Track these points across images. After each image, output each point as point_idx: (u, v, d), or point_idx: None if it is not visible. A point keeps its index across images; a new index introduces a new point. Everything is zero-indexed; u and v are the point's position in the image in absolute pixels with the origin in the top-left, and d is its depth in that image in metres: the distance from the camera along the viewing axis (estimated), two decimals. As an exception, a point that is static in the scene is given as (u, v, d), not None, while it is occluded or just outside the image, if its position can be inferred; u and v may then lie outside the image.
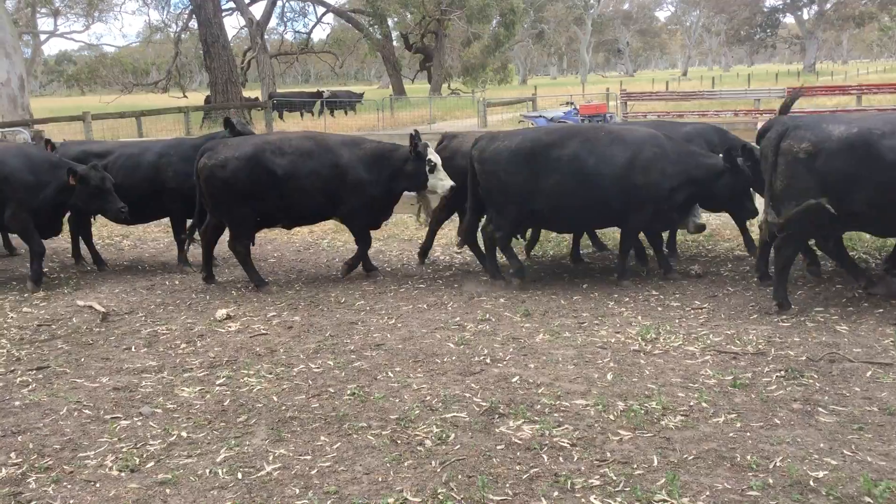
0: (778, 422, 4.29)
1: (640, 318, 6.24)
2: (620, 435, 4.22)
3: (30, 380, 5.30)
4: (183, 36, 40.52)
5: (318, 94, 37.03)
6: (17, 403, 4.88)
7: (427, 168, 7.45)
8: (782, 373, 4.95)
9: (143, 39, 52.57)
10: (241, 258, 7.51)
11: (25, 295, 7.54)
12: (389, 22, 49.17)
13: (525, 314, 6.43)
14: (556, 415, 4.48)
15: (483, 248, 7.61)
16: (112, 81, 46.96)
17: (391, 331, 6.15)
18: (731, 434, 4.16)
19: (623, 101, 26.97)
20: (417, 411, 4.60)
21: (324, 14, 50.26)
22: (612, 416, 4.44)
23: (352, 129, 26.94)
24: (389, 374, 5.23)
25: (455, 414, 4.55)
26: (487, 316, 6.43)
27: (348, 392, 4.92)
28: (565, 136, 7.06)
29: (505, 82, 57.42)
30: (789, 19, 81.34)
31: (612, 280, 7.30)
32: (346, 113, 36.78)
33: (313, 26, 55.39)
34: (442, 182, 7.51)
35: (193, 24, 33.71)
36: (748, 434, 4.15)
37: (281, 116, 34.63)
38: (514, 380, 5.03)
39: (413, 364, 5.41)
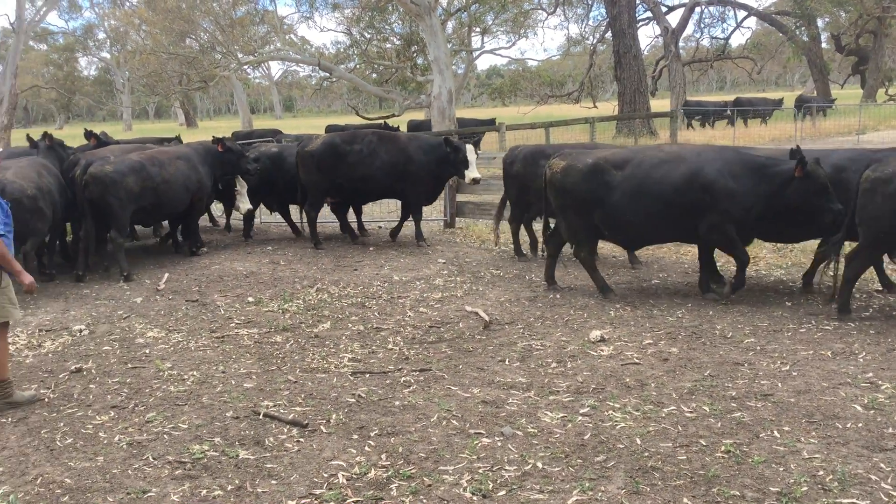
0: None
1: None
2: None
3: (412, 381, 5.62)
4: (599, 48, 41.47)
5: (730, 104, 34.97)
6: (396, 403, 5.19)
7: None
8: None
9: (563, 52, 55.10)
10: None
11: (426, 295, 8.14)
12: (819, 22, 44.69)
13: (967, 381, 5.11)
14: None
15: None
16: (531, 93, 50.08)
17: (783, 379, 5.32)
18: None
19: None
20: (805, 488, 3.84)
21: (744, 18, 47.47)
22: None
23: (765, 139, 24.96)
24: (775, 433, 4.49)
25: (854, 501, 3.70)
26: (912, 376, 5.24)
27: (722, 448, 4.31)
28: None
29: (964, 86, 48.66)
30: None
31: None
32: (764, 122, 34.21)
33: (732, 31, 52.92)
34: None
35: (610, 35, 34.29)
36: None
37: (690, 125, 33.55)
38: (942, 469, 3.97)
39: (806, 425, 4.58)
